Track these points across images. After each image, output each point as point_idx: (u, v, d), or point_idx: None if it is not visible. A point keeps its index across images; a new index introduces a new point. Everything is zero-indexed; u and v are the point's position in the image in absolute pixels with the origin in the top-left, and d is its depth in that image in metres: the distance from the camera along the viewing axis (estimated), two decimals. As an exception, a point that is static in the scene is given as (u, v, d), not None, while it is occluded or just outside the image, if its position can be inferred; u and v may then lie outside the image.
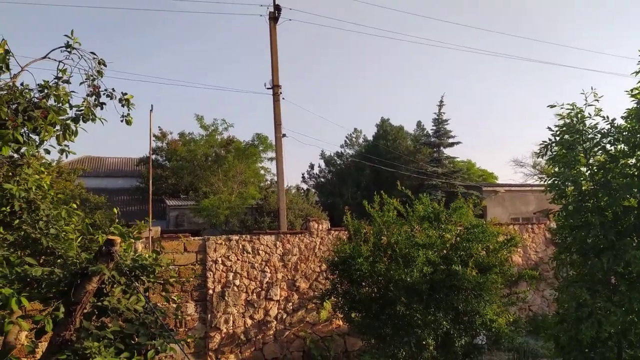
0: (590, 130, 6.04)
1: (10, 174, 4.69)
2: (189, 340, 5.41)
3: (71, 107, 4.48)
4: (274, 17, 16.02)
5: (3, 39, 4.05)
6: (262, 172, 28.10)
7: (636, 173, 5.75)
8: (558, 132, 6.22)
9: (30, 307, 4.03)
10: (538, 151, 6.50)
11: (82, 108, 4.50)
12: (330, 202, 28.47)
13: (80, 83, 4.53)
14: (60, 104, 4.39)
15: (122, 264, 4.15)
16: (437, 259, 8.16)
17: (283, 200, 15.45)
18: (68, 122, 4.42)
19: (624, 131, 5.83)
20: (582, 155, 6.07)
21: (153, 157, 26.89)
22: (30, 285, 4.09)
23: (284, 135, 15.89)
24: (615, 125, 5.91)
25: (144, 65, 67.55)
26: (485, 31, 76.33)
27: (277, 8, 15.94)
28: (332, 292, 8.83)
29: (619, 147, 5.92)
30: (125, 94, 4.72)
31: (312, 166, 34.12)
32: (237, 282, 10.99)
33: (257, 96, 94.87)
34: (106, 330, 3.96)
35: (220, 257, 10.93)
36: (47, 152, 4.55)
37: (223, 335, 10.71)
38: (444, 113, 28.05)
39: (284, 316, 11.33)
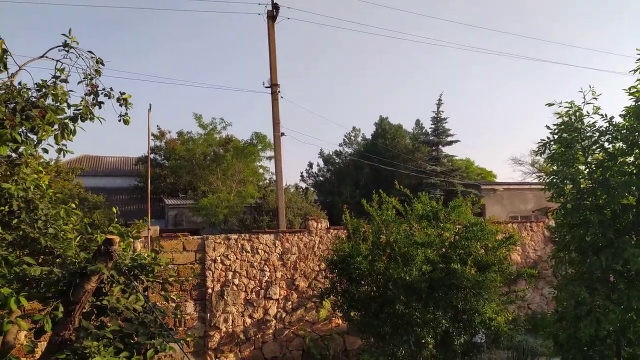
0: (589, 129, 6.05)
1: (9, 173, 4.67)
2: (188, 339, 5.43)
3: (69, 106, 4.46)
4: (272, 16, 16.03)
5: (0, 39, 4.04)
6: (260, 171, 28.12)
7: (634, 171, 5.75)
8: (556, 131, 6.22)
9: (29, 306, 4.04)
10: (537, 149, 6.50)
11: (80, 107, 4.49)
12: (329, 200, 28.48)
13: (78, 82, 4.52)
14: (58, 103, 4.37)
15: (121, 263, 4.16)
16: (436, 257, 8.17)
17: (282, 199, 15.46)
18: (66, 121, 4.41)
19: (623, 129, 5.83)
20: (580, 153, 6.07)
21: (151, 156, 26.82)
22: (29, 284, 4.09)
23: (283, 134, 15.94)
24: (614, 123, 5.91)
25: (142, 64, 67.50)
26: (486, 30, 76.35)
27: (275, 7, 15.96)
28: (331, 291, 8.83)
29: (617, 145, 5.92)
30: (123, 93, 4.70)
31: (310, 165, 34.17)
32: (237, 281, 10.99)
33: (255, 95, 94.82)
34: (105, 329, 3.96)
35: (220, 256, 10.93)
36: (45, 151, 4.54)
37: (222, 334, 10.71)
38: (442, 111, 28.15)
39: (283, 315, 11.33)
